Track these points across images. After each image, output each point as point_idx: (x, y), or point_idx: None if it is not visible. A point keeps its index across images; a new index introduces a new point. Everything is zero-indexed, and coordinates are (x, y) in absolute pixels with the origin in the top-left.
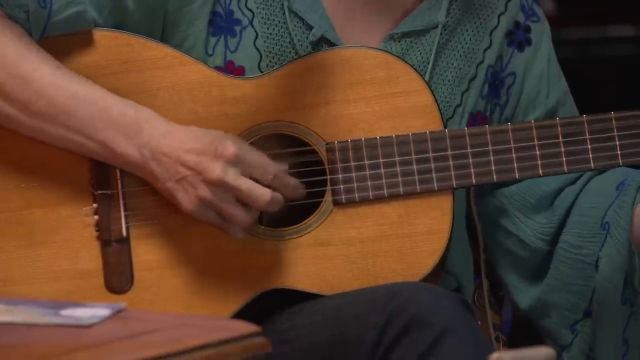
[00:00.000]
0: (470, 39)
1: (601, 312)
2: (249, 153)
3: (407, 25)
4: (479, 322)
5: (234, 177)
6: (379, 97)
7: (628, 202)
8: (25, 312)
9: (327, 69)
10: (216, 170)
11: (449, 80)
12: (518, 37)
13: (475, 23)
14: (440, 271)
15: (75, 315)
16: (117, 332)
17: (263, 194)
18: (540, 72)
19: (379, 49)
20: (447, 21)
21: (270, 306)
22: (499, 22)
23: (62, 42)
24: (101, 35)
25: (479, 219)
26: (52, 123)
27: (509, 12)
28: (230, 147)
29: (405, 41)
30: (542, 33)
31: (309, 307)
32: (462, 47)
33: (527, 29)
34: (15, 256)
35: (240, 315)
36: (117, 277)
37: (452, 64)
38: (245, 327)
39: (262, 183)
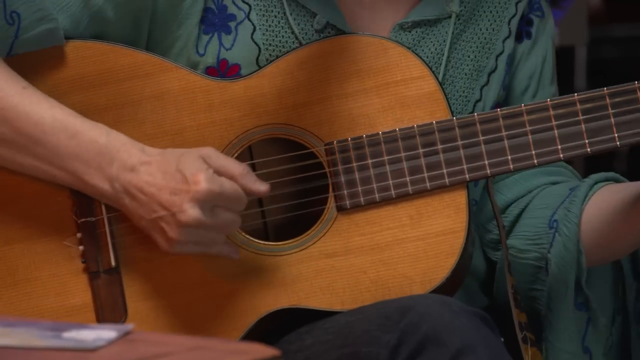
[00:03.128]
0: (487, 29)
1: (555, 320)
2: (223, 187)
3: (418, 14)
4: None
5: (210, 215)
6: (379, 87)
7: (579, 195)
8: (24, 335)
9: (319, 62)
10: (191, 211)
11: (465, 74)
12: (520, 27)
13: (491, 12)
14: (461, 277)
15: (79, 337)
16: (124, 356)
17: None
18: (532, 69)
19: (374, 35)
20: (461, 10)
21: (279, 328)
22: (517, 9)
23: (31, 57)
24: (72, 47)
25: None
26: (17, 151)
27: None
28: (202, 182)
29: (417, 31)
30: (543, 30)
31: (319, 325)
32: (479, 38)
33: (529, 22)
34: None
35: (247, 340)
36: (110, 310)
37: (469, 56)
38: (264, 350)
39: None
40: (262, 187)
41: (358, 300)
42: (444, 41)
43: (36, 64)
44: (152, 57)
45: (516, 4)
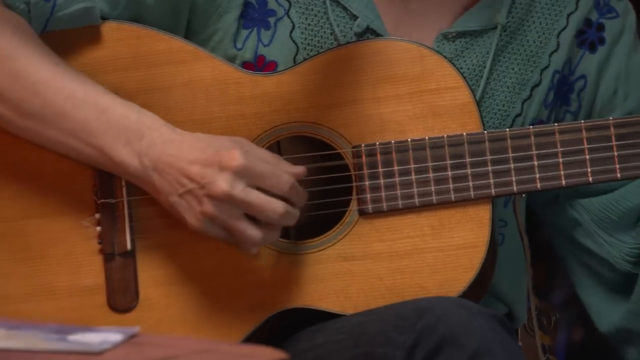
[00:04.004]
0: (534, 42)
1: None
2: (259, 162)
3: (462, 24)
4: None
5: (241, 191)
6: (412, 94)
7: None
8: (29, 338)
9: (354, 63)
10: (222, 184)
11: (507, 87)
12: (590, 37)
13: (540, 24)
14: (479, 292)
15: (84, 340)
16: (130, 359)
17: (276, 207)
18: (617, 71)
19: (411, 41)
20: (508, 22)
21: (287, 326)
22: (568, 22)
23: (66, 35)
24: (108, 28)
25: (559, 232)
26: (46, 125)
27: (580, 10)
28: (237, 157)
29: (460, 42)
30: (621, 27)
31: (330, 324)
32: (524, 50)
33: (600, 27)
34: (9, 271)
35: (254, 336)
36: (121, 294)
37: (512, 69)
38: (271, 353)
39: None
40: (298, 168)
41: (371, 306)
42: (487, 53)
43: (70, 42)
44: (187, 44)
45: (568, 15)
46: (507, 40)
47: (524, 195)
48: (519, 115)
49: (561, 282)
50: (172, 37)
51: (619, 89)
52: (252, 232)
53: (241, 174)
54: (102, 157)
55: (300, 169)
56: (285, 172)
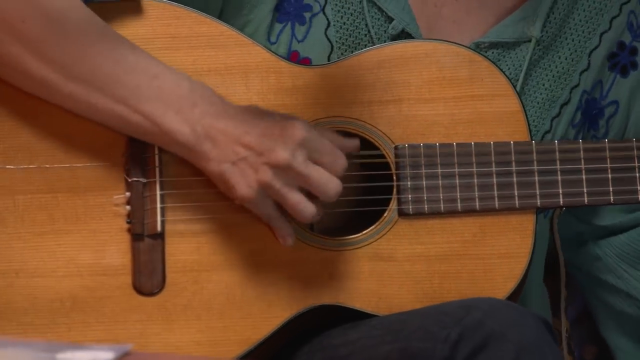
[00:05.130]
0: (566, 58)
1: None
2: (319, 138)
3: (496, 35)
4: None
5: (302, 162)
6: (460, 98)
7: None
8: (16, 356)
9: (401, 62)
10: (283, 152)
11: (538, 103)
12: (622, 61)
13: (573, 40)
14: (516, 303)
15: (74, 359)
16: None
17: (335, 184)
18: None
19: (463, 45)
20: (542, 35)
21: (315, 324)
22: (600, 41)
23: (105, 8)
24: (149, 5)
25: (578, 270)
26: (94, 90)
27: (613, 30)
28: (299, 128)
29: (493, 52)
30: None
31: (365, 322)
32: (556, 67)
33: (634, 51)
34: (32, 244)
35: (281, 331)
36: (147, 277)
37: (543, 85)
38: None
39: None
40: (353, 141)
41: (406, 309)
42: (520, 66)
43: (111, 16)
44: (229, 29)
45: (601, 34)
46: (539, 55)
47: (563, 209)
48: (548, 132)
49: (572, 299)
50: (214, 21)
51: None
52: (307, 204)
53: (302, 145)
54: (151, 126)
55: (355, 141)
56: (342, 154)
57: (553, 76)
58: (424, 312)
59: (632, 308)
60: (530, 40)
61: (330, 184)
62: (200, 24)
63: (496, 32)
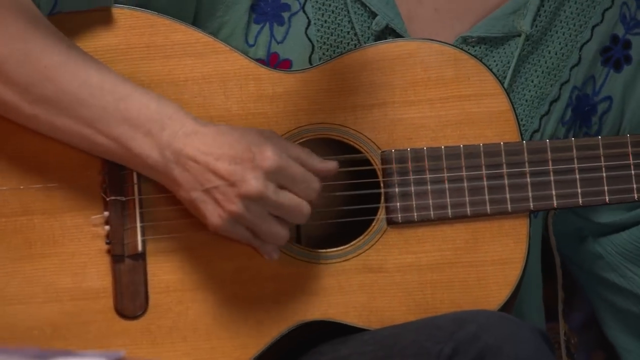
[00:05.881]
0: (556, 53)
1: None
2: (292, 164)
3: (484, 29)
4: None
5: (274, 192)
6: (446, 99)
7: None
8: None
9: (384, 64)
10: (254, 182)
11: (526, 100)
12: (615, 54)
13: (563, 34)
14: (511, 310)
15: None
16: None
17: (304, 209)
18: None
19: (447, 43)
20: (532, 30)
21: (306, 340)
22: (592, 34)
23: (75, 19)
24: (121, 14)
25: (579, 268)
26: (58, 112)
27: (605, 23)
28: (270, 156)
29: (481, 47)
30: None
31: (357, 337)
32: (546, 62)
33: (627, 44)
34: (9, 270)
35: (271, 349)
36: (130, 299)
37: (532, 82)
38: None
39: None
40: (329, 164)
41: (398, 322)
42: (509, 63)
43: (80, 28)
44: (205, 36)
45: (592, 28)
46: (528, 50)
47: (557, 210)
48: (536, 131)
49: (579, 304)
50: (189, 28)
51: None
52: (283, 232)
53: (273, 174)
54: (120, 149)
55: (331, 165)
56: (314, 178)
57: (542, 72)
58: (417, 326)
59: (636, 307)
60: (519, 35)
61: (301, 209)
62: (175, 31)
63: (485, 25)
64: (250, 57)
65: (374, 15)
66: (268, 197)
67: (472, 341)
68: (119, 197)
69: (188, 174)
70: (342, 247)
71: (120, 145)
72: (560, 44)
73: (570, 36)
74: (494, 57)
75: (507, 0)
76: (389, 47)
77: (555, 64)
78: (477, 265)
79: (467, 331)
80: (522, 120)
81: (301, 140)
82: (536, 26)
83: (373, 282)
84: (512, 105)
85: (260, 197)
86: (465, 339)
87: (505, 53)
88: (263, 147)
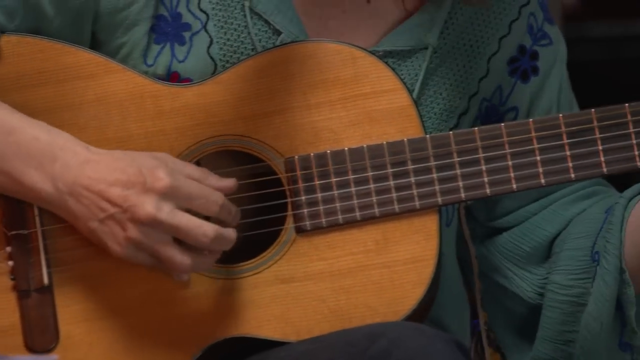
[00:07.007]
0: (464, 66)
1: None
2: (186, 181)
3: (391, 43)
4: None
5: (169, 214)
6: (346, 99)
7: (616, 222)
8: None
9: (281, 69)
10: (147, 206)
11: (435, 114)
12: (523, 65)
13: (471, 47)
14: (426, 311)
15: None
16: None
17: (206, 230)
18: (548, 105)
19: (341, 42)
20: (440, 43)
21: (228, 356)
22: (500, 46)
23: None
24: (7, 42)
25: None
26: None
27: (513, 34)
28: (162, 177)
29: (388, 62)
30: (554, 58)
31: (274, 354)
32: (454, 75)
33: (534, 55)
34: None
35: None
36: (40, 334)
37: (441, 95)
38: None
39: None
40: (227, 182)
41: (315, 331)
42: (417, 75)
43: None
44: (97, 56)
45: (500, 39)
46: (437, 63)
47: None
48: None
49: None
50: (79, 49)
51: None
52: (181, 258)
53: (167, 195)
54: (12, 183)
55: (229, 182)
56: (214, 191)
57: (451, 85)
58: (332, 343)
59: (518, 307)
60: (427, 48)
61: (201, 230)
62: (66, 54)
63: (390, 40)
64: (145, 75)
65: (278, 32)
66: (162, 220)
67: (384, 357)
68: (20, 231)
69: (83, 205)
70: (253, 260)
71: (13, 180)
72: (468, 56)
73: (477, 48)
74: (401, 70)
75: (414, 14)
76: (284, 51)
77: (464, 77)
78: (390, 265)
79: (379, 346)
80: (431, 133)
81: (202, 155)
82: (444, 39)
83: (286, 293)
84: (414, 100)
85: (154, 220)
86: (377, 355)
87: (413, 66)
88: (155, 169)
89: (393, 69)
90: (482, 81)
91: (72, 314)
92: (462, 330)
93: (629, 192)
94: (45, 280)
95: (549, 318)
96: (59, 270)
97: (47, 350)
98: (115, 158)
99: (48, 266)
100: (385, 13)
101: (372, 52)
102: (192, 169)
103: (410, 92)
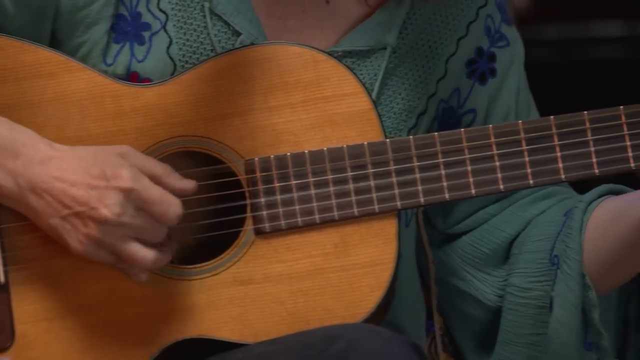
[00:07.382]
0: (423, 66)
1: None
2: (147, 187)
3: (349, 43)
4: None
5: (130, 214)
6: (307, 102)
7: (575, 226)
8: None
9: (242, 71)
10: (110, 206)
11: (394, 113)
12: (480, 67)
13: (430, 47)
14: (383, 314)
15: None
16: None
17: (160, 231)
18: (506, 107)
19: (303, 45)
20: (399, 43)
21: (187, 357)
22: (457, 47)
23: None
24: None
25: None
26: None
27: (470, 35)
28: (125, 178)
29: (347, 62)
30: (511, 60)
31: (231, 355)
32: (413, 75)
33: (492, 57)
34: None
35: None
36: None
37: (400, 94)
38: None
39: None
40: (187, 184)
41: (272, 333)
42: (376, 75)
43: None
44: (57, 55)
45: (458, 40)
46: (395, 64)
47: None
48: None
49: None
50: (39, 47)
51: None
52: (145, 253)
53: (130, 196)
54: None
55: (189, 184)
56: (174, 201)
57: (409, 85)
58: (289, 345)
59: (477, 310)
60: (385, 48)
61: (157, 231)
62: (25, 52)
63: (349, 40)
64: (106, 74)
65: (238, 34)
66: (125, 220)
67: (341, 359)
68: None
69: (44, 202)
70: (211, 262)
71: None
72: (426, 56)
73: (436, 49)
74: (360, 70)
75: (373, 14)
76: (244, 53)
77: (422, 77)
78: (348, 269)
79: (337, 348)
80: (390, 133)
81: (162, 155)
82: (402, 39)
83: (244, 295)
84: (374, 104)
85: (116, 220)
86: (334, 357)
87: (372, 66)
88: (118, 169)
89: (354, 73)
90: (440, 82)
91: (29, 312)
92: (418, 332)
93: (588, 196)
94: (2, 278)
95: (508, 321)
96: (16, 268)
97: (1, 350)
98: (78, 156)
99: (5, 264)
100: (345, 12)
101: (332, 52)
102: (154, 166)
103: (370, 92)
